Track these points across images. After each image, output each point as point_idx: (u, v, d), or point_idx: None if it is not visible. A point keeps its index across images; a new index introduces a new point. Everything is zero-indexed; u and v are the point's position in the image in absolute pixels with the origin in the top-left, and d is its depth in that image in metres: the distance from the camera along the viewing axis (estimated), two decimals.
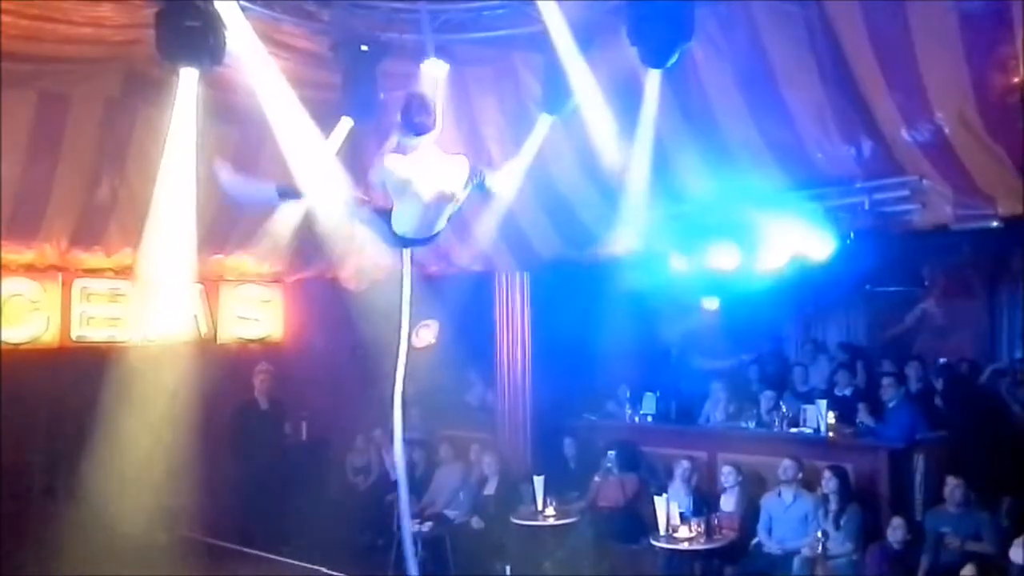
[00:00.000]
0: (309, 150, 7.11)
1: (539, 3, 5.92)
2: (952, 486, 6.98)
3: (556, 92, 6.86)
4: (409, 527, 5.04)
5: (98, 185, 8.49)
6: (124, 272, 9.50)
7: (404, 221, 4.78)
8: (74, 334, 9.23)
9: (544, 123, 7.40)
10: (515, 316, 10.01)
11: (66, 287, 9.16)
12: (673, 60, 5.92)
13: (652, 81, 6.30)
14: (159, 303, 9.76)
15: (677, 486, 8.40)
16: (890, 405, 8.31)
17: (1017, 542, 6.49)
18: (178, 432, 9.99)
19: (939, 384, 8.77)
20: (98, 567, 8.74)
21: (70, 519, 9.23)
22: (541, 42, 6.56)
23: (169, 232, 7.96)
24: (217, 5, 5.86)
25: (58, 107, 7.87)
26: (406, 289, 5.03)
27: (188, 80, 6.47)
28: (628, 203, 7.59)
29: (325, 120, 8.10)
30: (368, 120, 7.72)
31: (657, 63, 6.04)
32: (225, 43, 6.01)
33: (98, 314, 9.43)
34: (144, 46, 6.58)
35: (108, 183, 8.54)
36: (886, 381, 8.48)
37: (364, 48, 6.85)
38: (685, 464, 8.49)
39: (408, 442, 10.22)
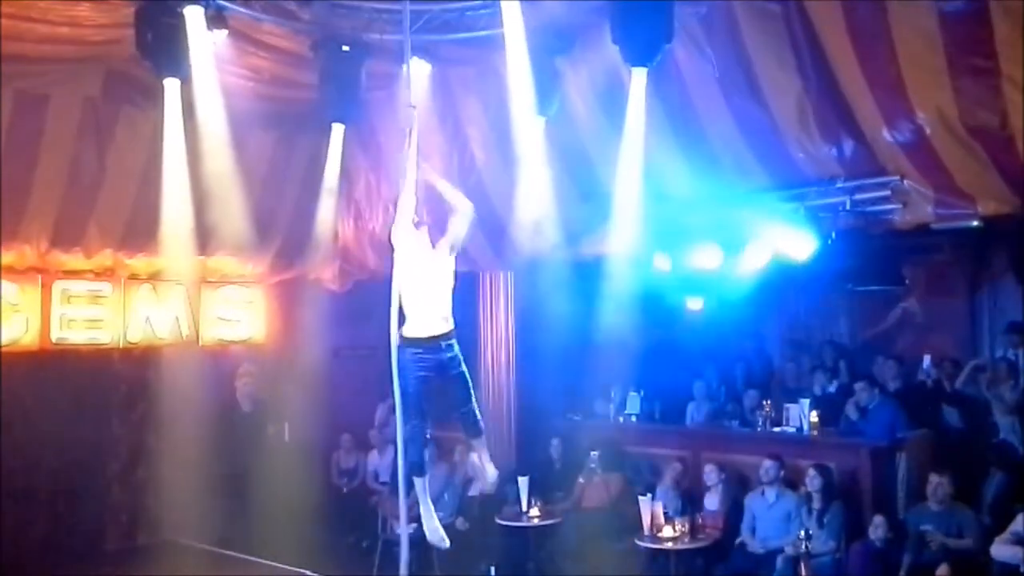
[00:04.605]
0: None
1: (503, 4, 5.93)
2: (935, 484, 7.00)
3: (543, 92, 6.88)
4: (406, 529, 4.94)
5: (78, 186, 8.42)
6: (104, 274, 9.44)
7: None
8: (54, 336, 9.14)
9: (530, 123, 7.39)
10: (499, 316, 9.99)
11: (46, 289, 9.07)
12: (656, 60, 5.94)
13: (638, 81, 6.30)
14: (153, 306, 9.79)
15: (667, 486, 8.42)
16: (870, 407, 8.35)
17: (998, 539, 6.54)
18: (160, 434, 9.94)
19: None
20: (78, 570, 8.69)
21: (50, 521, 9.18)
22: (526, 42, 6.55)
23: (175, 237, 8.02)
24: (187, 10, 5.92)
25: (37, 107, 7.80)
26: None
27: (172, 90, 6.51)
28: (613, 203, 7.60)
29: (306, 120, 8.12)
30: (352, 122, 7.71)
31: (639, 62, 6.06)
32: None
33: (78, 316, 9.34)
34: (124, 46, 6.56)
35: (88, 184, 8.47)
36: (859, 385, 8.54)
37: (345, 48, 6.82)
38: (677, 466, 8.51)
39: (392, 442, 10.30)
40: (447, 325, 4.66)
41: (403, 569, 4.87)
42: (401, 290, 4.58)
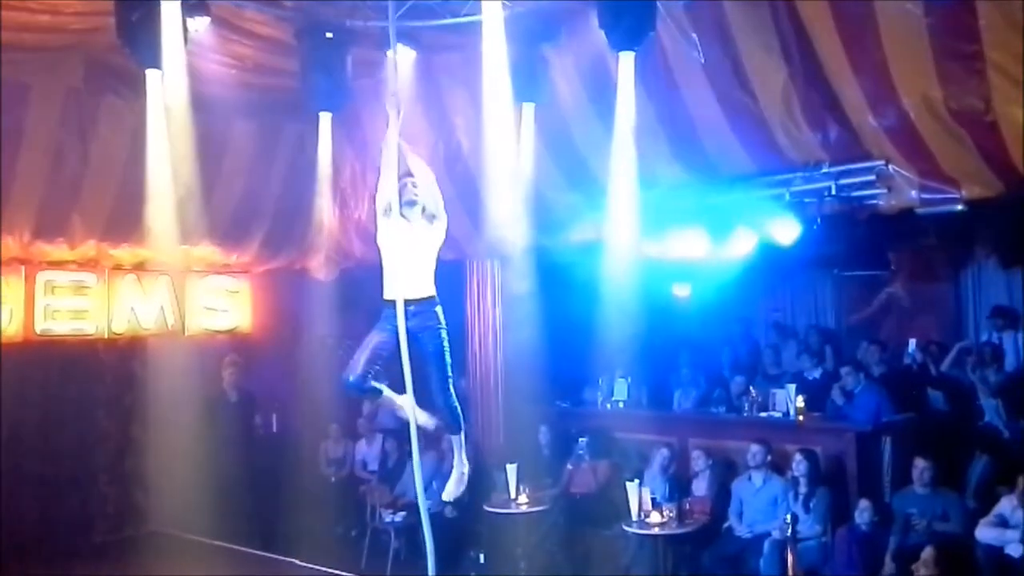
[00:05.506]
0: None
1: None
2: (920, 467, 7.05)
3: (530, 80, 6.84)
4: (425, 506, 5.21)
5: (61, 176, 8.35)
6: (88, 264, 9.39)
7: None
8: (38, 327, 9.09)
9: (516, 111, 7.36)
10: (486, 304, 9.98)
11: (29, 280, 9.01)
12: (642, 44, 5.94)
13: (626, 65, 6.28)
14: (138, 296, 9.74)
15: (654, 472, 8.43)
16: (856, 391, 8.40)
17: (983, 522, 6.60)
18: (146, 426, 9.91)
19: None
20: (66, 562, 8.66)
21: (37, 514, 9.13)
22: (511, 28, 6.53)
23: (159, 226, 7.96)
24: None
25: (18, 96, 7.73)
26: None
27: (154, 80, 6.44)
28: (601, 189, 7.60)
29: (291, 108, 8.07)
30: (337, 110, 7.66)
31: (626, 46, 6.05)
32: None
33: (62, 307, 9.29)
34: (105, 34, 6.48)
35: (71, 174, 8.41)
36: (845, 370, 8.60)
37: (329, 35, 6.77)
38: (664, 452, 8.52)
39: (381, 432, 10.31)
40: (417, 292, 4.75)
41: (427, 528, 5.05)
42: (385, 267, 4.76)
